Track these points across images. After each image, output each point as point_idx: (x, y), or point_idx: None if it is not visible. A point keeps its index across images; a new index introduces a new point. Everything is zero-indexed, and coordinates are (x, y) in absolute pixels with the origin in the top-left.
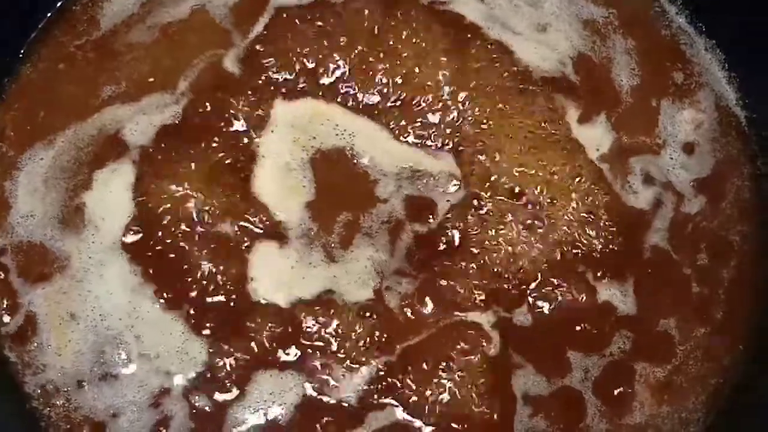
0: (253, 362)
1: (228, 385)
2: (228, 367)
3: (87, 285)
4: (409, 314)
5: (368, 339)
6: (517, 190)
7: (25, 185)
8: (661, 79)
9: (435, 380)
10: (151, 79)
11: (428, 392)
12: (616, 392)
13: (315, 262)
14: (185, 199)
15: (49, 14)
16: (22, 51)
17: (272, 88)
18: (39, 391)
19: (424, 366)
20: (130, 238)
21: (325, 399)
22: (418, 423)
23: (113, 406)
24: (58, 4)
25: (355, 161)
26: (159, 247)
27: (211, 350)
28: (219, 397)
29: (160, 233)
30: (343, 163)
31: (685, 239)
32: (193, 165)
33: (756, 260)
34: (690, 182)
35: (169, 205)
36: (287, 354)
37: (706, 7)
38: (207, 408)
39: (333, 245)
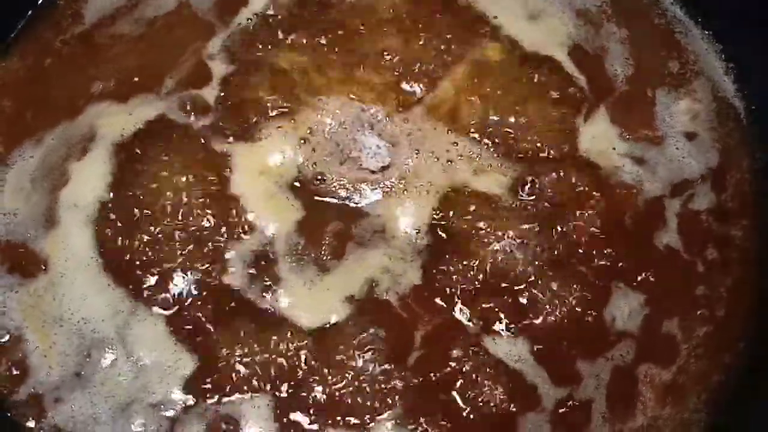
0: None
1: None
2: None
3: (61, 288)
4: (410, 317)
5: (378, 351)
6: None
7: (13, 184)
8: (656, 69)
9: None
10: (137, 78)
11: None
12: (623, 397)
13: (311, 276)
14: (166, 208)
15: (30, 11)
16: (7, 47)
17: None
18: (30, 392)
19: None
20: (108, 244)
21: None
22: None
23: (89, 412)
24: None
25: None
26: (141, 257)
27: (200, 369)
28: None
29: (138, 239)
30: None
31: (693, 236)
32: (173, 171)
33: (756, 255)
34: (696, 174)
35: (149, 211)
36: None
37: None
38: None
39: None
